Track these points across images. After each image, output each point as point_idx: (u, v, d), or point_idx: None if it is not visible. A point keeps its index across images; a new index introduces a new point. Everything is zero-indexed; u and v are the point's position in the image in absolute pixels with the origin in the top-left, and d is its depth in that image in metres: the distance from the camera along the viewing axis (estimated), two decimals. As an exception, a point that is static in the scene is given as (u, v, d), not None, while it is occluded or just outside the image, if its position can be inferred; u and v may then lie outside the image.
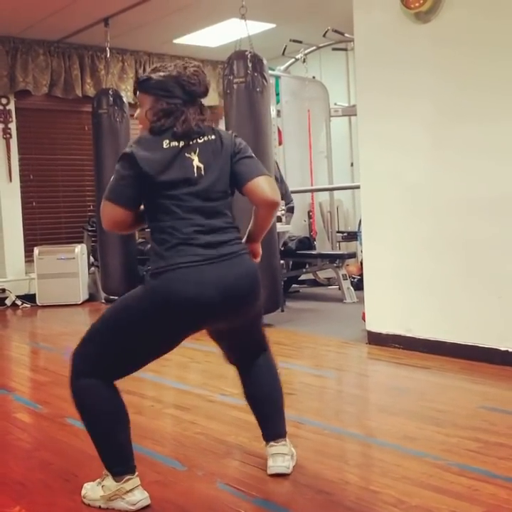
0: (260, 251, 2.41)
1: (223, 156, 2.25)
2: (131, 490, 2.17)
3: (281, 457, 2.41)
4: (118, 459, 2.21)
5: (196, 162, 2.19)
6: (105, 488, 2.20)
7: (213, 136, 2.25)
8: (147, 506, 2.19)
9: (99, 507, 2.21)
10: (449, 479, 2.32)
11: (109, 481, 2.19)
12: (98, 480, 2.25)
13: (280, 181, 6.46)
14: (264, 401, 2.48)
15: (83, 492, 2.27)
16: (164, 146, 2.16)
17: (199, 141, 2.22)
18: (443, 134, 4.05)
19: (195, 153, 2.19)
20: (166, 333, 2.18)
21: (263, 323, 2.53)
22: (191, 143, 2.20)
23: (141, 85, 2.27)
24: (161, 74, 2.24)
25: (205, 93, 2.28)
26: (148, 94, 2.25)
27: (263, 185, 2.24)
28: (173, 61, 2.34)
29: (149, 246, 2.27)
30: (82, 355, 2.22)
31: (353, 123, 7.57)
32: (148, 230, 2.25)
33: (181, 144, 2.18)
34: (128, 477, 2.18)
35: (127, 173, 2.17)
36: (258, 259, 2.37)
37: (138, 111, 2.31)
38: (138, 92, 2.30)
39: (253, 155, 2.33)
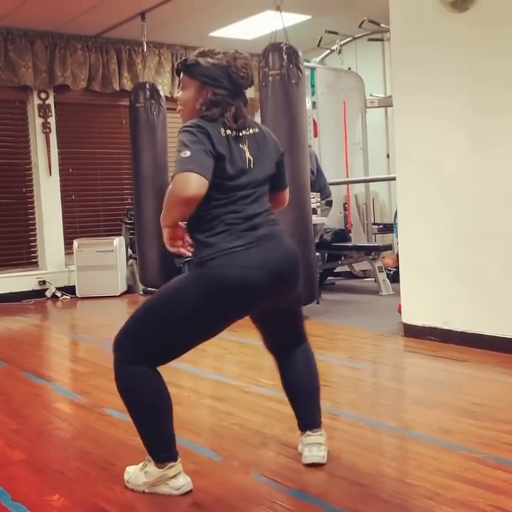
0: None
1: (268, 149, 2.31)
2: (174, 476, 2.22)
3: (317, 447, 2.43)
4: (161, 446, 2.24)
5: (248, 154, 2.22)
6: (148, 475, 2.24)
7: (256, 130, 2.29)
8: (188, 492, 2.22)
9: (143, 491, 2.25)
10: (485, 473, 2.31)
11: (152, 468, 2.23)
12: (141, 465, 2.29)
13: (319, 175, 6.44)
14: (302, 390, 2.49)
15: (126, 477, 2.32)
16: (222, 133, 2.17)
17: (246, 133, 2.24)
18: (479, 125, 4.00)
19: (245, 144, 2.22)
20: (216, 319, 2.19)
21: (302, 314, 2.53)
22: (241, 134, 2.22)
23: (189, 69, 2.25)
24: (210, 61, 2.22)
25: (250, 86, 2.30)
26: (195, 79, 2.24)
27: (287, 195, 2.53)
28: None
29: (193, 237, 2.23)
30: (127, 343, 2.24)
31: (389, 114, 7.50)
32: (193, 218, 2.20)
33: (233, 134, 2.19)
34: (171, 464, 2.22)
35: (202, 145, 2.09)
36: None
37: (180, 92, 2.30)
38: (182, 74, 2.28)
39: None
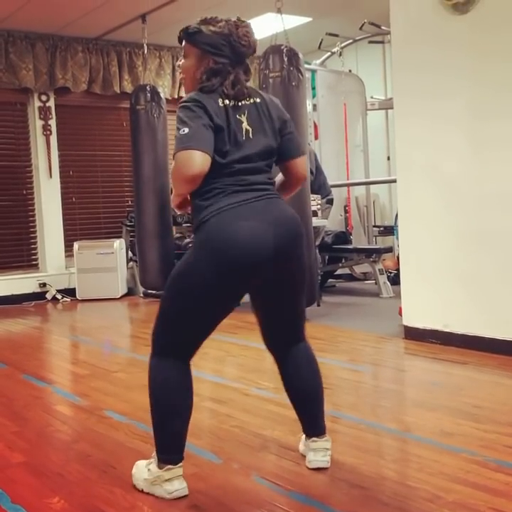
0: None
1: (270, 120, 2.25)
2: (170, 479, 2.21)
3: (323, 452, 2.42)
4: (167, 447, 2.24)
5: (245, 125, 2.18)
6: (150, 472, 2.25)
7: (259, 99, 2.25)
8: (184, 497, 2.22)
9: (142, 490, 2.26)
10: (486, 475, 2.30)
11: (154, 466, 2.24)
12: (148, 461, 2.30)
13: (318, 173, 6.44)
14: (307, 396, 2.46)
15: (133, 470, 2.33)
16: (220, 104, 2.15)
17: (247, 102, 2.21)
18: (480, 129, 4.00)
19: (244, 115, 2.19)
20: (225, 282, 2.12)
21: (305, 311, 2.50)
22: (239, 104, 2.19)
23: (191, 37, 2.23)
24: (212, 29, 2.21)
25: (252, 54, 2.27)
26: (195, 47, 2.23)
27: (301, 165, 2.35)
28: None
29: (191, 209, 2.23)
30: (156, 333, 2.24)
31: (390, 116, 7.51)
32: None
33: (231, 103, 2.17)
34: (169, 466, 2.21)
35: (200, 119, 2.08)
36: None
37: (182, 60, 2.29)
38: (184, 41, 2.26)
39: (294, 129, 2.39)
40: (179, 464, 2.23)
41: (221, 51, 2.20)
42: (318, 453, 2.42)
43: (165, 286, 2.25)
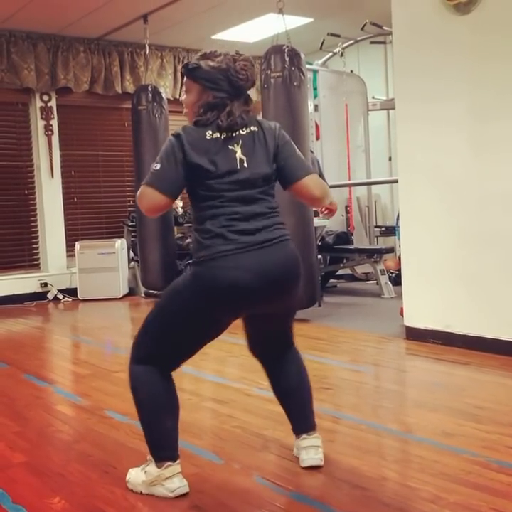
0: (333, 207, 2.78)
1: (266, 146, 2.26)
2: (170, 477, 2.22)
3: (314, 449, 2.43)
4: (161, 444, 2.26)
5: (239, 154, 2.20)
6: (147, 474, 2.25)
7: (255, 128, 2.26)
8: (185, 495, 2.22)
9: (141, 492, 2.26)
10: (488, 476, 2.30)
11: (152, 467, 2.25)
12: (142, 465, 2.30)
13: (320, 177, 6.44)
14: (294, 394, 2.49)
15: (127, 477, 2.34)
16: (207, 136, 2.18)
17: (242, 132, 2.22)
18: (482, 128, 4.00)
19: (238, 145, 2.21)
20: (210, 318, 2.21)
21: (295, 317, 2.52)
22: (234, 134, 2.21)
23: (191, 73, 2.27)
24: (210, 64, 2.24)
25: (251, 87, 2.29)
26: (196, 82, 2.26)
27: (310, 186, 2.29)
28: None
29: (192, 236, 2.30)
30: (139, 344, 2.30)
31: (392, 117, 7.50)
32: (192, 218, 2.29)
33: (223, 135, 2.19)
34: (168, 464, 2.22)
35: (173, 157, 2.17)
36: (333, 212, 2.80)
37: (184, 96, 2.33)
38: (185, 78, 2.30)
39: (296, 150, 2.34)
40: (177, 461, 2.24)
41: (219, 86, 2.22)
42: (309, 451, 2.42)
43: (159, 299, 2.32)
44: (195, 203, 2.24)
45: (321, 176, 6.46)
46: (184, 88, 2.33)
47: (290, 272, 2.25)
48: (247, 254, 2.16)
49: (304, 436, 2.45)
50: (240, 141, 2.22)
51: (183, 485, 2.23)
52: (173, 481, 2.22)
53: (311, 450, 2.42)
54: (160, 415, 2.25)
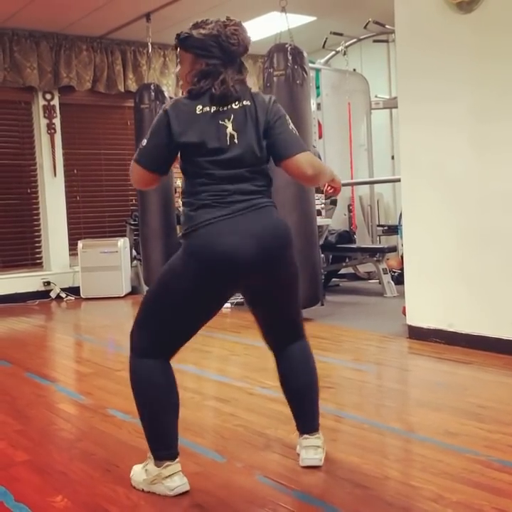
0: (336, 185, 2.52)
1: (257, 122, 2.21)
2: (170, 475, 2.21)
3: (313, 450, 2.43)
4: (160, 443, 2.25)
5: (230, 129, 2.17)
6: (148, 472, 2.26)
7: (248, 102, 2.21)
8: (186, 493, 2.22)
9: (142, 490, 2.26)
10: (490, 475, 2.30)
11: (151, 466, 2.25)
12: (144, 463, 2.30)
13: None
14: (301, 394, 2.47)
15: (131, 473, 2.34)
16: (197, 111, 2.15)
17: (234, 106, 2.18)
18: (485, 127, 3.99)
19: (229, 120, 2.17)
20: (207, 291, 2.16)
21: (301, 308, 2.50)
22: (226, 108, 2.17)
23: (181, 43, 2.25)
24: (202, 32, 2.22)
25: (244, 52, 2.26)
26: (188, 52, 2.24)
27: (302, 163, 2.22)
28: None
29: (181, 211, 2.31)
30: (136, 333, 2.27)
31: (394, 115, 7.49)
32: (181, 191, 2.29)
33: (213, 109, 2.16)
34: (167, 463, 2.22)
35: (160, 134, 2.18)
36: (338, 190, 2.53)
37: (179, 67, 2.31)
38: (178, 49, 2.28)
39: (291, 125, 2.27)
40: (176, 460, 2.24)
41: (211, 53, 2.20)
42: (309, 451, 2.42)
43: (148, 289, 2.30)
44: (185, 178, 2.24)
45: None
46: (178, 60, 2.31)
47: (282, 235, 2.22)
48: (234, 219, 2.14)
49: (305, 435, 2.45)
50: (232, 116, 2.17)
51: (183, 483, 2.23)
52: (173, 479, 2.22)
53: (310, 450, 2.42)
54: (160, 413, 2.24)
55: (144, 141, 2.21)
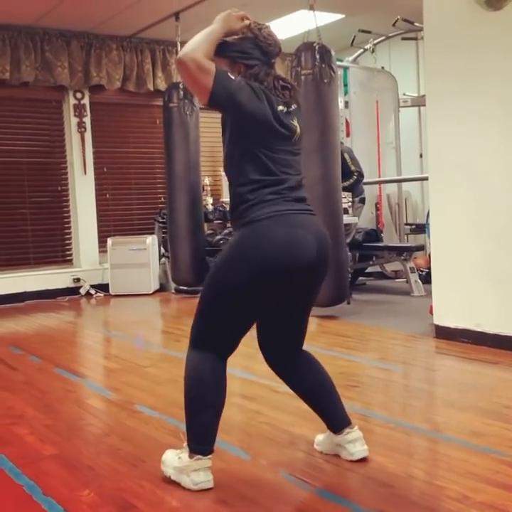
0: None
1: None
2: (197, 469, 2.25)
3: (360, 441, 2.46)
4: (198, 437, 2.28)
5: (298, 129, 2.27)
6: (180, 461, 2.29)
7: (297, 105, 2.31)
8: (210, 489, 2.24)
9: (169, 477, 2.30)
10: (515, 476, 2.29)
11: (185, 455, 2.28)
12: (179, 450, 2.34)
13: (350, 171, 6.38)
14: (323, 391, 2.49)
15: (163, 457, 2.37)
16: (279, 108, 2.21)
17: (294, 108, 2.28)
18: (515, 125, 3.96)
19: (295, 120, 2.27)
20: (267, 280, 2.16)
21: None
22: (291, 110, 2.26)
23: (217, 50, 2.24)
24: (235, 37, 2.26)
25: (279, 53, 2.33)
26: (224, 57, 2.25)
27: None
28: None
29: (232, 203, 2.25)
30: (196, 324, 2.29)
31: (423, 114, 7.44)
32: (235, 186, 2.24)
33: (285, 109, 2.23)
34: (199, 457, 2.25)
35: (251, 92, 2.15)
36: None
37: None
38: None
39: None
40: (208, 456, 2.26)
41: (250, 54, 2.24)
42: (356, 443, 2.45)
43: (205, 281, 2.28)
44: (245, 167, 2.19)
45: (355, 165, 6.41)
46: None
47: (328, 240, 2.31)
48: (304, 216, 2.23)
49: (347, 430, 2.46)
50: (295, 117, 2.27)
51: (208, 480, 2.25)
52: (198, 474, 2.25)
53: (357, 443, 2.45)
54: (203, 409, 2.25)
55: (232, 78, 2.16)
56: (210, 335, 2.25)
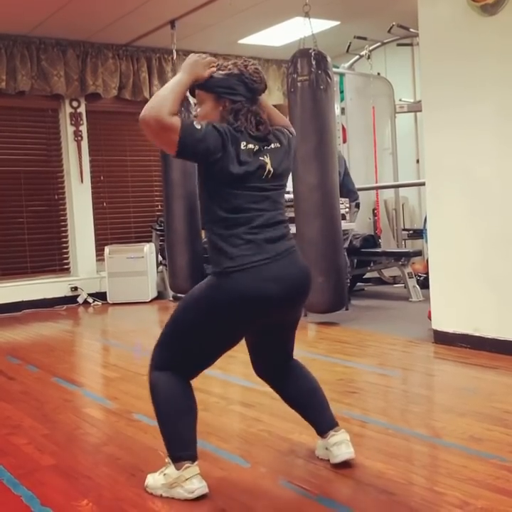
0: None
1: (290, 157, 2.36)
2: (189, 478, 2.23)
3: (345, 444, 2.45)
4: (179, 444, 2.28)
5: (269, 166, 2.23)
6: (167, 476, 2.27)
7: (279, 144, 2.29)
8: (210, 497, 2.23)
9: (161, 495, 2.28)
10: (516, 482, 2.28)
11: (171, 469, 2.27)
12: (161, 469, 2.32)
13: (347, 177, 6.41)
14: (310, 395, 2.53)
15: (145, 482, 2.35)
16: (242, 146, 2.18)
17: (272, 146, 2.26)
18: (510, 131, 3.95)
19: (267, 157, 2.24)
20: (234, 328, 2.25)
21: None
22: (264, 148, 2.24)
23: (204, 84, 2.26)
24: (221, 72, 2.25)
25: (264, 90, 2.32)
26: (210, 92, 2.25)
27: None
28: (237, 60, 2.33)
29: (208, 240, 2.28)
30: (159, 352, 2.33)
31: (419, 119, 7.45)
32: (208, 223, 2.26)
33: (256, 147, 2.21)
34: (187, 465, 2.24)
35: (222, 137, 2.14)
36: None
37: (198, 109, 2.31)
38: (196, 90, 2.29)
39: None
40: (195, 462, 2.26)
41: (235, 91, 2.24)
42: (341, 446, 2.44)
43: (176, 308, 2.33)
44: (218, 205, 2.20)
45: (346, 172, 6.44)
46: (197, 102, 2.32)
47: (306, 280, 2.33)
48: (274, 264, 2.21)
49: (331, 433, 2.46)
50: (268, 155, 2.24)
51: (202, 486, 2.24)
52: (192, 482, 2.23)
53: (342, 445, 2.44)
54: (177, 416, 2.27)
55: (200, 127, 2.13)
56: (176, 359, 2.30)
